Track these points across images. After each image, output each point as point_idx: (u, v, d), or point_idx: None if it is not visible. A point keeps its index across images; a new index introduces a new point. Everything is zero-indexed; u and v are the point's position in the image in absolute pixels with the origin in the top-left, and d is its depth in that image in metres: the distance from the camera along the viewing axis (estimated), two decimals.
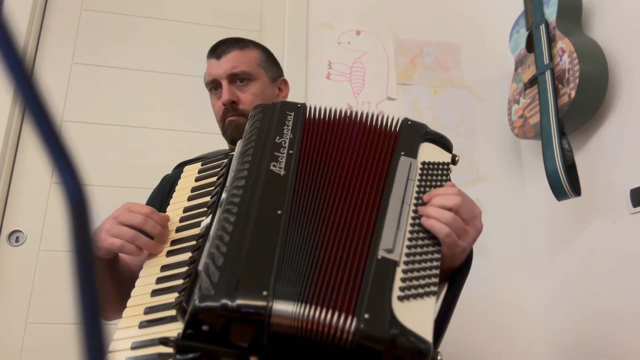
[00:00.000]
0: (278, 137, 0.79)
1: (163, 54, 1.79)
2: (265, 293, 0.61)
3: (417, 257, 0.69)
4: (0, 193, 1.53)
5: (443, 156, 0.83)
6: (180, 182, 0.96)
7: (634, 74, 1.43)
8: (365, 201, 0.74)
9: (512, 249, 1.82)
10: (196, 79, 1.69)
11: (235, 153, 0.84)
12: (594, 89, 1.47)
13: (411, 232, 0.72)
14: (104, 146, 1.66)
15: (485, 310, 1.74)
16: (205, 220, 0.80)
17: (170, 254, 0.81)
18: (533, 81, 1.62)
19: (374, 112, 0.85)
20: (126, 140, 1.68)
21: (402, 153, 0.79)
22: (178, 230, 0.84)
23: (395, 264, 0.67)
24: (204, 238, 0.75)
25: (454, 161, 0.84)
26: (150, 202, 1.12)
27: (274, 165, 0.75)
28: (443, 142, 0.85)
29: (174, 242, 0.82)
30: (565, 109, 1.49)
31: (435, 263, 0.70)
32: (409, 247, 0.70)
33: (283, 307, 0.61)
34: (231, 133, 1.11)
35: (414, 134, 0.83)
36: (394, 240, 0.69)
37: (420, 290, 0.65)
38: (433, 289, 0.66)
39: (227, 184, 0.79)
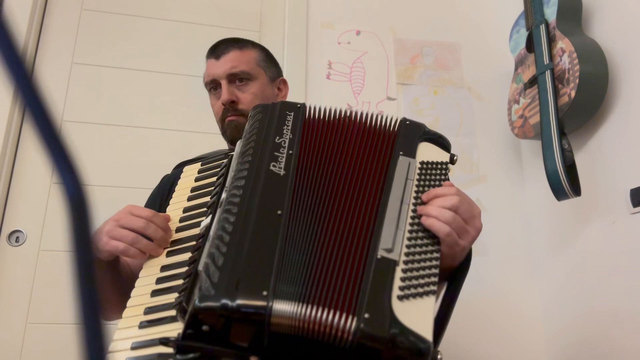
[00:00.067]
0: (278, 137, 0.79)
1: (163, 54, 1.79)
2: (265, 293, 0.61)
3: (417, 257, 0.69)
4: (0, 193, 1.53)
5: (441, 156, 0.83)
6: (180, 182, 0.96)
7: (634, 74, 1.43)
8: (364, 201, 0.74)
9: (512, 249, 1.82)
10: (196, 79, 1.69)
11: (235, 153, 0.84)
12: (594, 89, 1.47)
13: (410, 231, 0.72)
14: (104, 146, 1.66)
15: (485, 310, 1.74)
16: (205, 221, 0.80)
17: (170, 254, 0.81)
18: (533, 81, 1.62)
19: (374, 112, 0.85)
20: (126, 140, 1.68)
21: (401, 153, 0.80)
22: (178, 230, 0.84)
23: (394, 263, 0.67)
24: (204, 238, 0.75)
25: (452, 161, 0.84)
26: (150, 202, 1.12)
27: (274, 165, 0.75)
28: (441, 142, 0.85)
29: (173, 243, 0.82)
30: (565, 109, 1.49)
31: (434, 262, 0.70)
32: (408, 246, 0.70)
33: (283, 307, 0.61)
34: (231, 133, 1.11)
35: (413, 133, 0.83)
36: (394, 240, 0.69)
37: (420, 290, 0.65)
38: (433, 288, 0.67)
39: (227, 184, 0.79)
